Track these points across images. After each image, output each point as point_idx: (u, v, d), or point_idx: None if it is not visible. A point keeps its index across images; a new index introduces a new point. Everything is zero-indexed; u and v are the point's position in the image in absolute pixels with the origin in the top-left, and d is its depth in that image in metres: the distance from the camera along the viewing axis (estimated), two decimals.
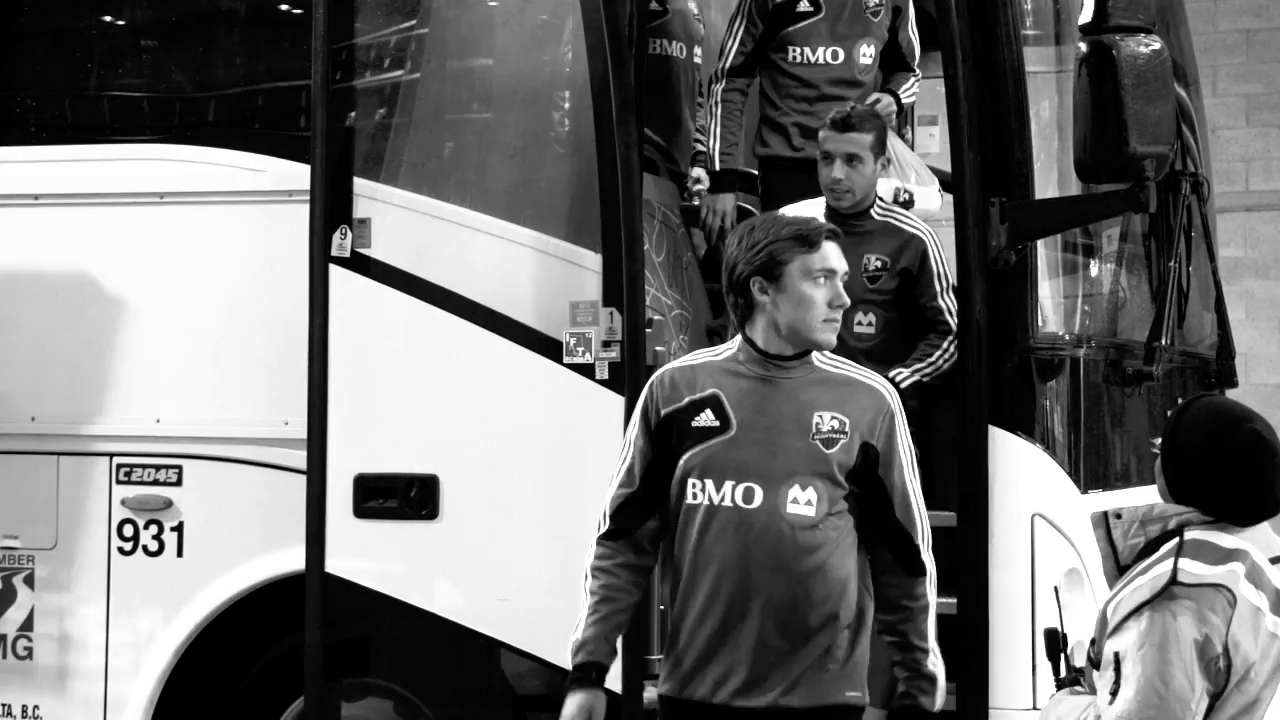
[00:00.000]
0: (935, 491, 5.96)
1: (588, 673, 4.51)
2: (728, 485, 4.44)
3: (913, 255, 6.10)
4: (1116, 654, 3.93)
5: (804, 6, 6.69)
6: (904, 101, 6.94)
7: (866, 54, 6.77)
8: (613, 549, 4.57)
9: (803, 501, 4.42)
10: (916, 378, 6.01)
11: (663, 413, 4.53)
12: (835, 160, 6.11)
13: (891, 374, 5.82)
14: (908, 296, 6.11)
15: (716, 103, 6.82)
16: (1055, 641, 4.33)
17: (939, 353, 6.06)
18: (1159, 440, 4.22)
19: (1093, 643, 4.12)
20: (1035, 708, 5.44)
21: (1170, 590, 3.91)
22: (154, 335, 6.26)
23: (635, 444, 4.59)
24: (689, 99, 7.22)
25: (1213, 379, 6.85)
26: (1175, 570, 3.93)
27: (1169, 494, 4.15)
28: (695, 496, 4.47)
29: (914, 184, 6.62)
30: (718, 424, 4.47)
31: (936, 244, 6.12)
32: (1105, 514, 4.20)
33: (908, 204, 6.48)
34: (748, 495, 4.43)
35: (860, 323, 6.07)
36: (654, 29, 7.06)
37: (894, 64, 6.93)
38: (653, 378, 4.60)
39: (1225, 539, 4.01)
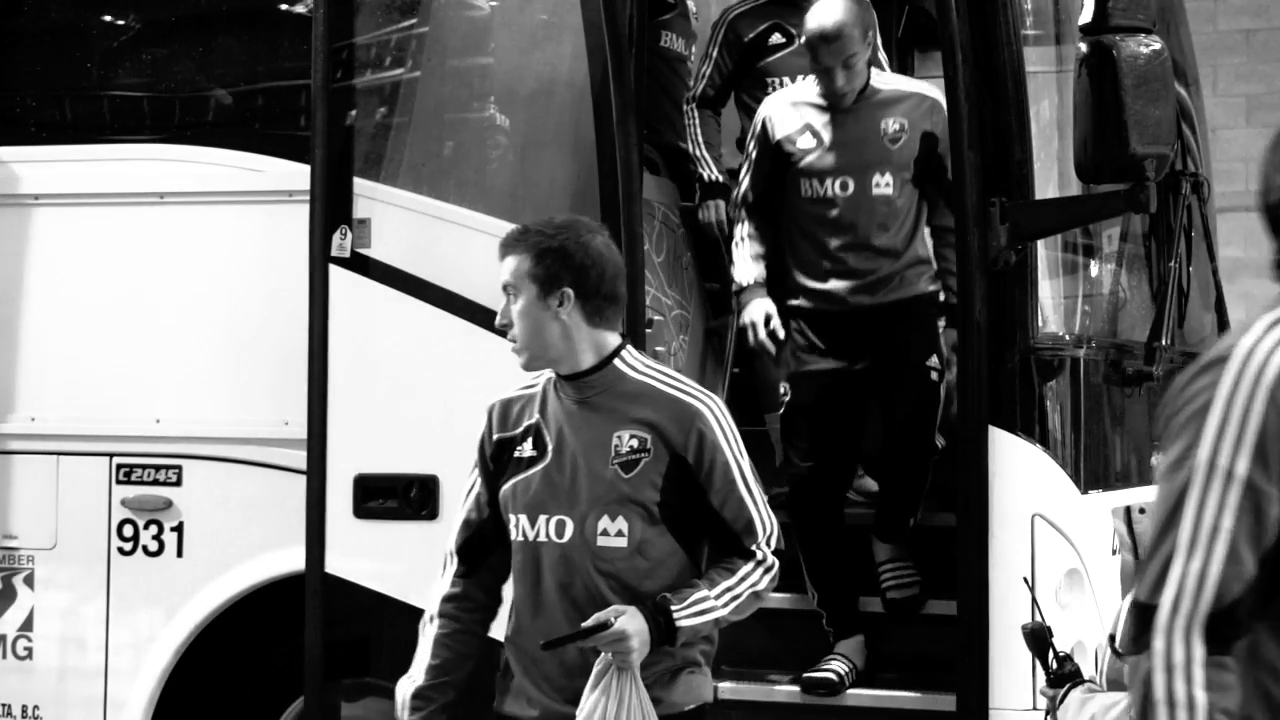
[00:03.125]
0: (935, 491, 5.98)
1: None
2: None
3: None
4: None
5: (805, 143, 6.13)
6: None
7: (882, 184, 6.04)
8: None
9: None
10: (702, 619, 4.13)
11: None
12: None
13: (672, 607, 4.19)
14: None
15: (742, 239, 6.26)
16: (1041, 636, 4.31)
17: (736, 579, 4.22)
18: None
19: (1111, 639, 4.10)
20: (1035, 708, 5.43)
21: None
22: (154, 335, 6.25)
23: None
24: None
25: None
26: None
27: None
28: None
29: None
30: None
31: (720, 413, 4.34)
32: (1128, 508, 4.19)
33: None
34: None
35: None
36: (664, 22, 7.02)
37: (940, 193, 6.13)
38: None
39: None
